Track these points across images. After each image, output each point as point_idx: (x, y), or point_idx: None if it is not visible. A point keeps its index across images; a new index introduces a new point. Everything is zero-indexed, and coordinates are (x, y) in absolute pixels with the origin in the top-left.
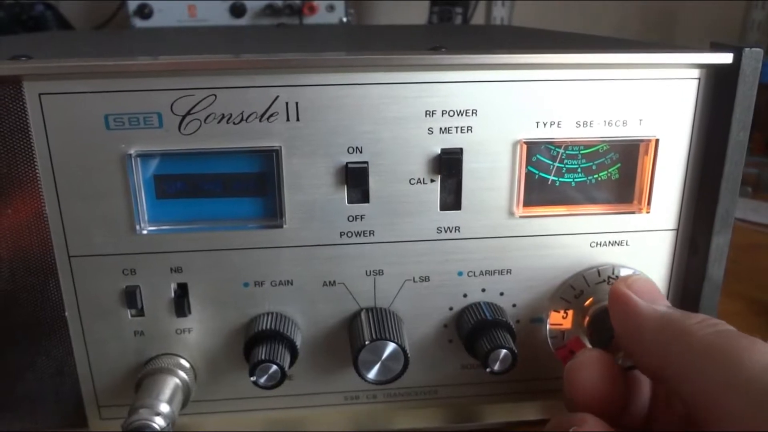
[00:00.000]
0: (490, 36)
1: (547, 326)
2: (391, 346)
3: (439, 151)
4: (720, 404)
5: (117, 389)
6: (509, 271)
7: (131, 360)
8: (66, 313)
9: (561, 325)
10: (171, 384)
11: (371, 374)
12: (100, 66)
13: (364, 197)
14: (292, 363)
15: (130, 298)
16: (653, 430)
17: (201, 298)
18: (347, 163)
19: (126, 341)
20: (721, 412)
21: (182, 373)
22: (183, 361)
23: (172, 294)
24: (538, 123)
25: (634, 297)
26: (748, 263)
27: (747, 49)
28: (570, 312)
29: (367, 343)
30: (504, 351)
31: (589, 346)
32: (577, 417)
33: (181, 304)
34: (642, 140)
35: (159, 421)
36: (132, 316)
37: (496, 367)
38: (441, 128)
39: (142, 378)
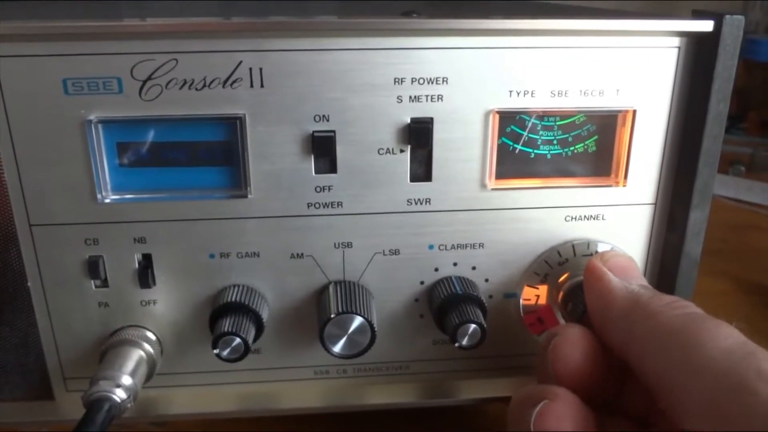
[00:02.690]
0: (483, 9)
1: (521, 301)
2: (357, 320)
3: (408, 121)
4: (678, 385)
5: (83, 361)
6: (482, 245)
7: (96, 331)
8: (29, 284)
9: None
10: (135, 356)
11: (337, 348)
12: (56, 27)
13: (332, 167)
14: (257, 337)
15: (93, 268)
16: (621, 405)
17: (166, 269)
18: (313, 131)
19: (90, 312)
20: (679, 392)
21: (147, 346)
22: (148, 333)
23: (136, 265)
24: (511, 92)
25: (608, 273)
26: (737, 243)
27: (728, 17)
28: (544, 287)
29: (332, 316)
30: (473, 326)
31: (562, 321)
32: (549, 390)
33: (145, 275)
34: (619, 111)
35: (120, 393)
36: (96, 287)
37: (465, 341)
38: (411, 96)
39: (105, 350)
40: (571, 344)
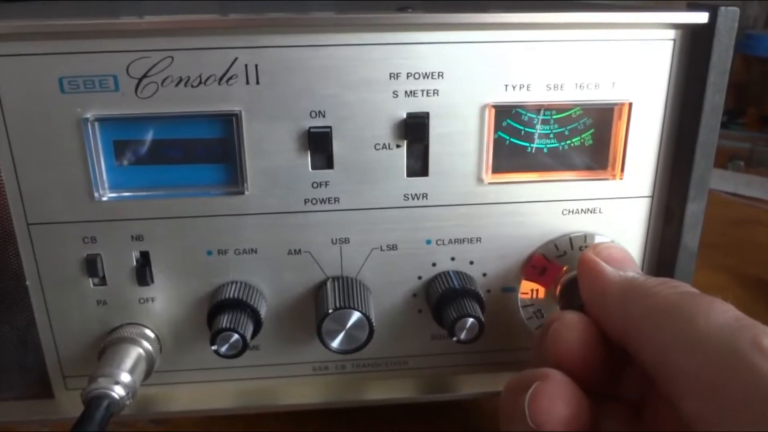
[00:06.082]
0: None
1: (519, 295)
2: (355, 315)
3: (404, 116)
4: (673, 364)
5: (82, 359)
6: (479, 240)
7: (95, 330)
8: (27, 282)
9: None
10: (133, 354)
11: (335, 343)
12: (52, 26)
13: (329, 163)
14: (255, 333)
15: (91, 266)
16: (619, 393)
17: (163, 266)
18: (310, 127)
19: (89, 311)
20: (674, 372)
21: (146, 343)
22: (147, 331)
23: (134, 262)
24: (506, 86)
25: (602, 263)
26: (736, 237)
27: (722, 8)
28: None
29: (330, 311)
30: (471, 320)
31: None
32: (540, 372)
33: (143, 272)
34: (615, 104)
35: (119, 390)
36: (94, 285)
37: (463, 336)
38: (406, 91)
39: (104, 347)
40: (570, 328)
